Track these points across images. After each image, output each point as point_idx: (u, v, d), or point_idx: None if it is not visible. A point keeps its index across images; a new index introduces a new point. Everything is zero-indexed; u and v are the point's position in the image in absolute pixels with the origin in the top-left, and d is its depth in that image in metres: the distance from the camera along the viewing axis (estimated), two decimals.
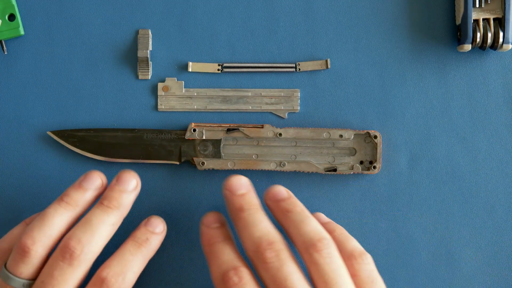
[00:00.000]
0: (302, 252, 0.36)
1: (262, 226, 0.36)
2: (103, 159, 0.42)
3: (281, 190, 0.39)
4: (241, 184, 0.38)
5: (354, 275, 0.36)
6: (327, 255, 0.35)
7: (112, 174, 0.43)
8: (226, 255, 0.37)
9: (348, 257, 0.37)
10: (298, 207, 0.38)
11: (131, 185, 0.39)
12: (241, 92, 0.44)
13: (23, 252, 0.36)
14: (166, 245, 0.43)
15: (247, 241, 0.36)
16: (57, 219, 0.37)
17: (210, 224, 0.39)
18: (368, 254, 0.38)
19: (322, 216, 0.42)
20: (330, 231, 0.38)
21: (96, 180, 0.39)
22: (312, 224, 0.37)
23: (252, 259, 0.36)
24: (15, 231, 0.39)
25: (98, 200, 0.38)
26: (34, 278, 0.36)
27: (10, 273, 0.36)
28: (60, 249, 0.36)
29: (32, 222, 0.37)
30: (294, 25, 0.44)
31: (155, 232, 0.39)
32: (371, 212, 0.43)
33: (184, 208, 0.43)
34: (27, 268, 0.36)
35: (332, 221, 0.42)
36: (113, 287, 0.36)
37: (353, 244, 0.38)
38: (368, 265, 0.37)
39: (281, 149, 0.42)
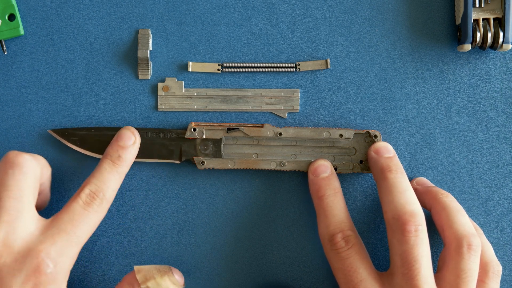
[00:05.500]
0: (450, 242, 0.37)
1: (408, 193, 0.38)
2: None
3: (426, 181, 0.43)
4: (388, 149, 0.41)
5: (480, 281, 0.38)
6: (474, 256, 0.37)
7: None
8: (335, 216, 0.39)
9: (483, 265, 0.39)
10: (451, 196, 0.40)
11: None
12: (241, 92, 0.44)
13: None
14: (166, 245, 0.43)
15: (389, 204, 0.38)
16: None
17: (318, 174, 0.41)
18: (501, 266, 0.39)
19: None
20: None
21: None
22: (466, 219, 0.38)
23: (389, 224, 0.37)
24: None
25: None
26: None
27: None
28: (3, 162, 0.37)
29: None
30: (294, 25, 0.44)
31: (127, 145, 0.40)
32: (371, 212, 0.43)
33: (184, 208, 0.43)
34: None
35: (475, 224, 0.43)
36: (97, 200, 0.38)
37: (491, 252, 0.40)
38: (497, 278, 0.39)
39: (281, 148, 0.42)
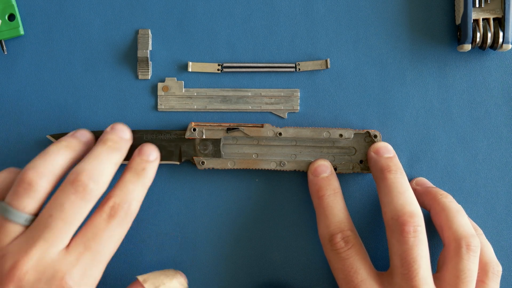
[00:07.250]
0: (449, 243, 0.38)
1: (407, 194, 0.38)
2: None
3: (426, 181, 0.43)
4: (388, 149, 0.41)
5: (480, 281, 0.38)
6: (473, 257, 0.37)
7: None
8: (335, 216, 0.39)
9: (483, 265, 0.39)
10: (450, 196, 0.40)
11: (127, 134, 0.40)
12: (241, 92, 0.44)
13: (28, 185, 0.35)
14: (167, 246, 0.43)
15: (388, 205, 0.38)
16: (60, 157, 0.37)
17: (318, 175, 0.41)
18: (500, 267, 0.39)
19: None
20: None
21: (86, 134, 0.40)
22: (465, 219, 0.39)
23: (388, 224, 0.37)
24: (3, 174, 0.38)
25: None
26: (35, 214, 0.36)
27: (12, 207, 0.35)
28: (71, 182, 0.35)
29: (34, 159, 0.37)
30: (294, 25, 0.44)
31: (150, 160, 0.39)
32: (371, 212, 0.43)
33: (184, 208, 0.43)
34: (31, 203, 0.35)
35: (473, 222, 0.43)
36: (121, 212, 0.36)
37: (491, 253, 0.40)
38: (497, 278, 0.39)
39: (281, 148, 0.42)
